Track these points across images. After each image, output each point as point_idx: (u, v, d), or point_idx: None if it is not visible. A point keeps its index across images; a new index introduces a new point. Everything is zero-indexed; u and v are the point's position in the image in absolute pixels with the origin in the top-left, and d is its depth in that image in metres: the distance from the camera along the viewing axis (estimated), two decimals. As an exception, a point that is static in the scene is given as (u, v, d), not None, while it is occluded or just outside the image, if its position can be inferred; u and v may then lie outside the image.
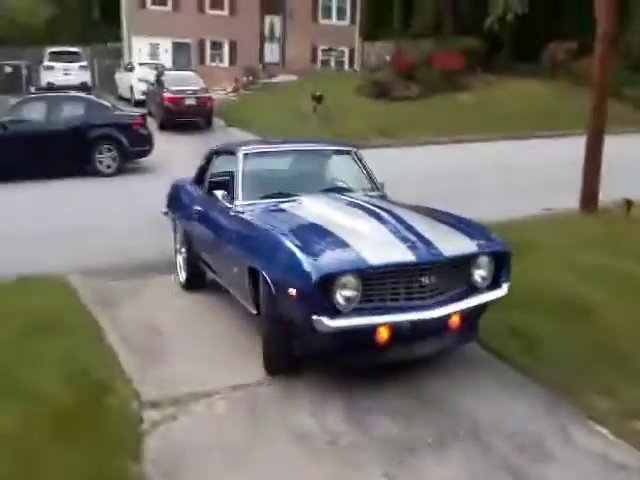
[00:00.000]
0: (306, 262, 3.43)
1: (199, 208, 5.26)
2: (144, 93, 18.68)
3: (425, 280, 3.55)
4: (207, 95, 16.45)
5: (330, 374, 3.93)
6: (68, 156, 11.13)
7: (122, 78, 21.10)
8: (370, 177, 5.14)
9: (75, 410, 3.44)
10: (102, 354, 4.23)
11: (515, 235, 6.20)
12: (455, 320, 3.67)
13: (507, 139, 15.82)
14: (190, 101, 15.95)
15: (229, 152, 5.26)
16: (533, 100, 18.63)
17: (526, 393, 3.70)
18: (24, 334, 4.47)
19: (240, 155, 4.84)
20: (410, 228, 3.86)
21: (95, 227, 7.76)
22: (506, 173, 11.01)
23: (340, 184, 5.07)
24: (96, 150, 11.39)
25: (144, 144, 11.86)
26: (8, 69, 22.89)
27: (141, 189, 10.19)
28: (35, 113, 11.25)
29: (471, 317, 3.84)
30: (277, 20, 25.58)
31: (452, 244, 3.76)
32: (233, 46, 24.92)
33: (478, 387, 3.78)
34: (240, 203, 4.56)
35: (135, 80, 19.46)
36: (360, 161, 5.20)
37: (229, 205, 4.61)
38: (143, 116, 12.24)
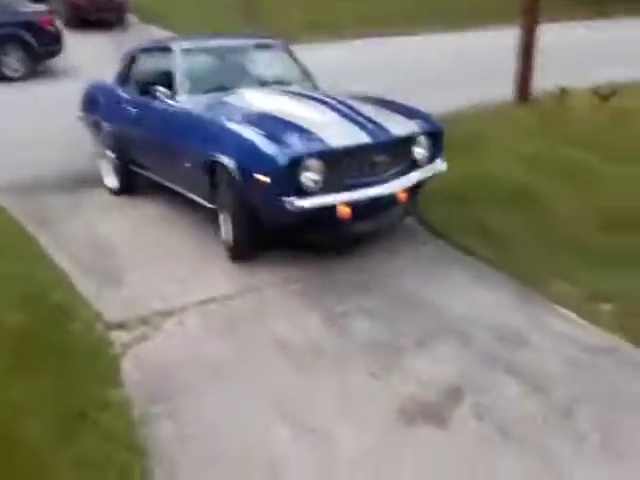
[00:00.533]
0: (274, 148, 3.72)
1: (130, 108, 5.28)
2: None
3: (378, 159, 3.98)
4: (117, -12, 14.85)
5: (297, 280, 3.86)
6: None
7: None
8: (302, 69, 5.40)
9: (35, 337, 3.19)
10: (53, 277, 3.92)
11: (460, 127, 6.20)
12: (402, 194, 4.06)
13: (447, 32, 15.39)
14: (98, -5, 14.37)
15: (162, 49, 5.27)
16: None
17: (496, 285, 3.78)
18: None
19: (177, 50, 4.93)
20: (359, 113, 4.22)
21: (8, 138, 7.00)
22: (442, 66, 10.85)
23: (275, 77, 5.24)
24: (1, 52, 10.18)
25: (53, 43, 10.71)
26: None
27: (53, 94, 9.20)
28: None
29: (414, 192, 4.29)
30: None
31: (397, 125, 4.19)
32: None
33: (449, 282, 3.83)
34: (183, 98, 4.66)
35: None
36: (290, 54, 5.45)
37: (171, 102, 4.69)
38: (50, 12, 10.93)
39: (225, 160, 3.91)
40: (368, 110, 4.30)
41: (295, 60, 5.41)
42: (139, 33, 14.28)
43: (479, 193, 5.03)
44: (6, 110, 8.36)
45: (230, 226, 4.08)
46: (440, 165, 4.38)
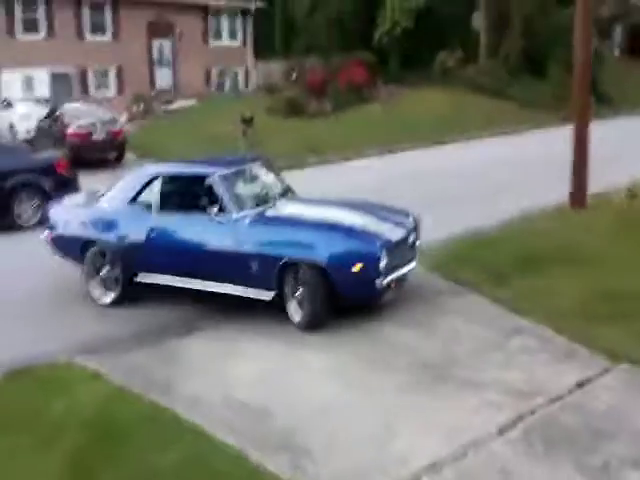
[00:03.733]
0: (364, 244, 5.18)
1: (153, 225, 5.83)
2: (29, 132, 16.57)
3: (404, 246, 5.51)
4: (117, 127, 14.93)
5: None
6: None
7: None
8: (283, 180, 6.46)
9: None
10: (227, 457, 3.25)
11: (541, 241, 6.13)
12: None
13: (427, 146, 16.03)
14: (99, 135, 14.35)
15: (194, 175, 6.09)
16: (436, 106, 19.35)
17: None
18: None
19: (216, 176, 5.69)
20: (379, 215, 5.81)
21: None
22: (458, 177, 11.06)
23: (279, 189, 6.28)
24: (15, 200, 9.68)
25: (70, 188, 10.28)
26: None
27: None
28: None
29: None
30: (166, 43, 24.22)
31: (405, 221, 5.79)
32: (120, 73, 23.17)
33: None
34: (236, 214, 5.51)
35: (17, 118, 17.21)
36: (273, 167, 6.57)
37: (221, 219, 5.48)
38: (65, 156, 10.66)
39: (312, 258, 5.06)
40: (383, 212, 5.91)
41: (278, 172, 6.54)
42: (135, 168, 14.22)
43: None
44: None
45: (305, 307, 5.12)
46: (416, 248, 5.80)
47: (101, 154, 14.50)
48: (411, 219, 5.86)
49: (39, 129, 15.79)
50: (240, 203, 5.67)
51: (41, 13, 21.59)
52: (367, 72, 21.05)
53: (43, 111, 16.39)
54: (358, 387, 4.16)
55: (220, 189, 5.61)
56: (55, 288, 6.60)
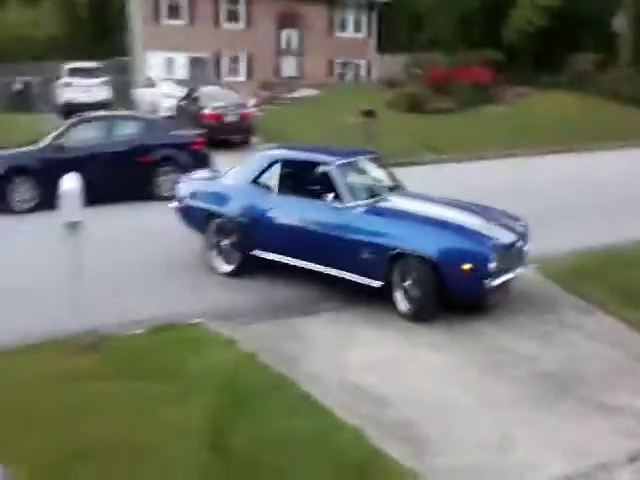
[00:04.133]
0: (476, 244, 5.33)
1: (274, 206, 6.23)
2: (170, 109, 17.89)
3: (513, 250, 5.59)
4: (247, 111, 15.72)
5: None
6: (127, 179, 10.28)
7: (143, 94, 20.21)
8: (393, 175, 6.69)
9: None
10: (348, 437, 3.50)
11: None
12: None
13: (555, 152, 15.37)
14: (231, 117, 15.22)
15: (313, 161, 6.43)
16: (566, 111, 18.37)
17: None
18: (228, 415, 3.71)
19: (334, 166, 6.03)
20: (490, 217, 5.89)
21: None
22: (584, 188, 10.57)
23: (389, 184, 6.53)
24: (156, 172, 10.58)
25: (205, 165, 11.06)
26: (18, 86, 21.84)
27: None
28: (91, 134, 10.41)
29: None
30: (294, 33, 25.00)
31: (516, 226, 5.86)
32: (250, 60, 24.26)
33: None
34: (351, 204, 5.83)
35: (160, 96, 18.62)
36: (383, 163, 6.83)
37: (338, 205, 5.80)
38: (201, 135, 11.46)
39: (424, 252, 5.28)
40: (494, 214, 6.00)
41: (387, 167, 6.78)
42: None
43: None
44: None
45: (413, 297, 5.38)
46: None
47: (231, 135, 15.33)
48: (521, 224, 5.91)
49: (179, 108, 17.01)
50: (354, 193, 5.98)
51: (184, 1, 23.03)
52: (493, 71, 20.47)
53: (182, 92, 17.62)
54: (476, 392, 4.20)
55: (337, 178, 5.95)
56: (185, 255, 7.21)
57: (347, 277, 5.74)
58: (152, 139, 10.62)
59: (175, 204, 7.24)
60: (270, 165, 6.52)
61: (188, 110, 15.98)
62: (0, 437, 3.52)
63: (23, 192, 9.86)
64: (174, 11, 22.97)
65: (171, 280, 6.55)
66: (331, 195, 5.82)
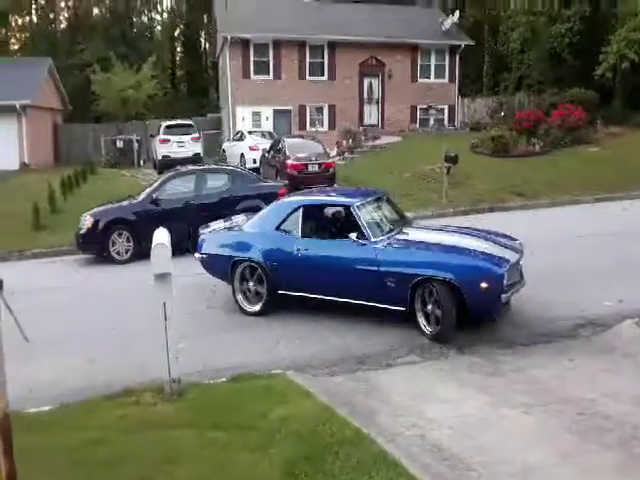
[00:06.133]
0: (491, 266, 5.96)
1: (302, 249, 6.74)
2: (255, 161, 18.68)
3: (517, 267, 6.30)
4: (329, 160, 16.10)
5: None
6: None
7: (231, 147, 21.28)
8: (402, 212, 7.58)
9: None
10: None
11: None
12: None
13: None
14: (313, 167, 15.62)
15: (333, 204, 7.32)
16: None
17: None
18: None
19: (356, 207, 6.68)
20: (496, 240, 6.71)
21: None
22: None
23: (402, 219, 7.28)
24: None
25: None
26: (120, 143, 23.69)
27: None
28: (183, 188, 11.06)
29: None
30: (375, 82, 25.55)
31: (516, 246, 6.65)
32: (332, 110, 24.98)
33: None
34: (375, 239, 6.45)
35: (246, 149, 19.52)
36: (392, 201, 7.61)
37: (363, 242, 6.40)
38: (285, 186, 11.85)
39: (446, 276, 5.86)
40: (497, 238, 6.79)
41: (395, 205, 7.55)
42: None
43: None
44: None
45: (436, 319, 6.00)
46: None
47: (313, 185, 15.72)
48: (519, 243, 6.74)
49: (263, 159, 17.73)
50: (374, 229, 6.58)
51: (270, 57, 24.25)
52: (585, 111, 19.74)
53: (267, 143, 18.39)
54: (569, 460, 3.89)
55: (359, 217, 6.57)
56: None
57: (373, 306, 6.36)
58: (239, 191, 11.11)
59: (199, 255, 7.62)
60: (292, 212, 7.04)
61: (273, 161, 16.61)
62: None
63: (121, 244, 10.57)
64: (261, 67, 24.21)
65: (251, 330, 6.73)
66: (354, 234, 6.43)
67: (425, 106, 25.78)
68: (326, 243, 6.82)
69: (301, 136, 19.47)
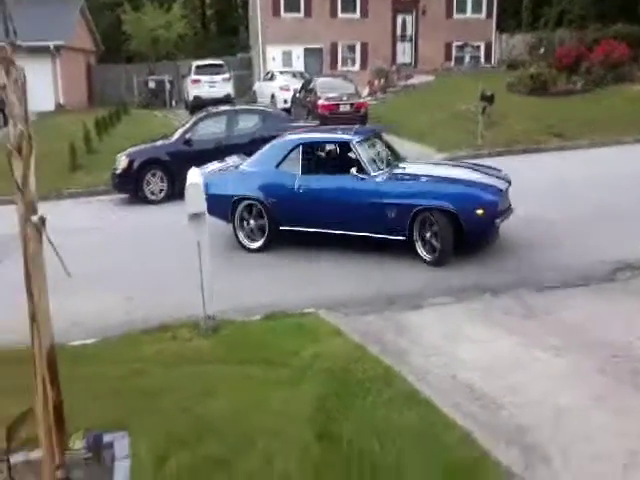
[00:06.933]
0: (486, 193, 6.42)
1: (305, 185, 6.96)
2: (286, 101, 18.40)
3: (506, 195, 6.77)
4: (361, 100, 15.75)
5: None
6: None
7: (262, 87, 20.97)
8: (394, 148, 7.73)
9: None
10: (459, 436, 3.43)
11: None
12: None
13: None
14: (345, 107, 15.33)
15: (333, 141, 7.80)
16: None
17: None
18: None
19: (354, 142, 6.93)
20: (486, 172, 7.17)
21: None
22: None
23: (396, 155, 7.53)
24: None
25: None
26: (152, 84, 23.55)
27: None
28: (215, 128, 11.01)
29: None
30: (409, 18, 24.60)
31: (503, 177, 7.10)
32: (364, 48, 24.25)
33: None
34: (375, 173, 6.77)
35: (277, 89, 19.21)
36: (385, 139, 7.77)
37: (363, 176, 6.70)
38: (317, 125, 11.68)
39: (444, 205, 6.28)
40: (486, 169, 7.29)
41: (388, 143, 7.70)
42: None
43: None
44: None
45: (435, 247, 6.44)
46: None
47: (345, 125, 15.44)
48: (505, 174, 7.17)
49: (295, 99, 17.45)
50: (374, 164, 6.86)
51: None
52: (629, 47, 18.68)
53: (298, 83, 18.05)
54: (602, 403, 3.86)
55: (359, 152, 6.83)
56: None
57: (375, 236, 6.68)
58: (270, 131, 10.97)
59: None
60: (292, 150, 7.21)
61: (304, 101, 16.34)
62: (125, 409, 3.86)
63: (155, 184, 10.68)
64: (292, 5, 23.47)
65: (282, 269, 6.80)
66: (354, 168, 6.70)
67: (461, 43, 24.78)
68: (327, 179, 7.06)
69: (332, 75, 19.02)
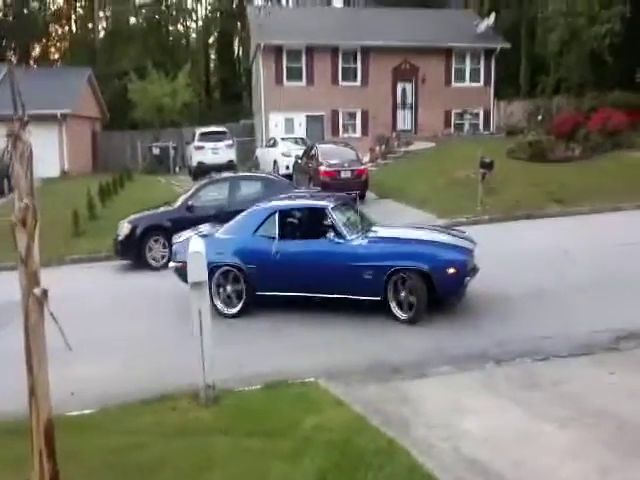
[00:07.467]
0: (456, 254, 6.87)
1: (282, 251, 7.19)
2: (288, 167, 18.78)
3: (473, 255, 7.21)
4: (362, 167, 16.08)
5: None
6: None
7: (264, 154, 21.46)
8: (364, 214, 8.14)
9: None
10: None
11: None
12: None
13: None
14: (346, 174, 15.62)
15: (309, 208, 8.09)
16: None
17: None
18: None
19: (329, 208, 7.35)
20: (454, 234, 7.69)
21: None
22: None
23: (367, 220, 7.92)
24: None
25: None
26: (156, 150, 24.17)
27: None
28: (217, 195, 11.22)
29: None
30: (409, 87, 25.45)
31: (470, 239, 7.58)
32: (365, 116, 24.97)
33: None
34: (352, 238, 7.11)
35: (279, 155, 19.66)
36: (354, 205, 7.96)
37: (339, 240, 7.06)
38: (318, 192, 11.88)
39: (418, 266, 6.67)
40: (454, 232, 7.87)
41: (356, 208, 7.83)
42: (377, 206, 15.00)
43: None
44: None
45: (410, 305, 6.76)
46: None
47: (346, 191, 15.66)
48: (469, 236, 7.65)
49: (296, 165, 17.82)
50: (349, 228, 7.22)
51: (303, 64, 24.40)
52: (626, 114, 19.17)
53: (300, 150, 18.49)
54: (608, 476, 3.77)
55: (334, 217, 7.22)
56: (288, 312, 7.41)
57: (349, 298, 6.95)
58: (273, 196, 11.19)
59: (174, 264, 7.76)
60: (269, 216, 7.49)
61: (306, 168, 16.67)
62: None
63: (157, 250, 10.78)
64: (294, 73, 24.39)
65: (282, 338, 6.78)
66: (331, 233, 7.09)
67: (460, 110, 25.53)
68: (304, 244, 7.34)
69: (334, 142, 19.49)
